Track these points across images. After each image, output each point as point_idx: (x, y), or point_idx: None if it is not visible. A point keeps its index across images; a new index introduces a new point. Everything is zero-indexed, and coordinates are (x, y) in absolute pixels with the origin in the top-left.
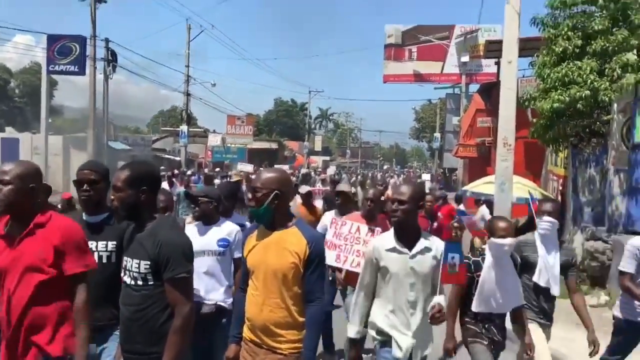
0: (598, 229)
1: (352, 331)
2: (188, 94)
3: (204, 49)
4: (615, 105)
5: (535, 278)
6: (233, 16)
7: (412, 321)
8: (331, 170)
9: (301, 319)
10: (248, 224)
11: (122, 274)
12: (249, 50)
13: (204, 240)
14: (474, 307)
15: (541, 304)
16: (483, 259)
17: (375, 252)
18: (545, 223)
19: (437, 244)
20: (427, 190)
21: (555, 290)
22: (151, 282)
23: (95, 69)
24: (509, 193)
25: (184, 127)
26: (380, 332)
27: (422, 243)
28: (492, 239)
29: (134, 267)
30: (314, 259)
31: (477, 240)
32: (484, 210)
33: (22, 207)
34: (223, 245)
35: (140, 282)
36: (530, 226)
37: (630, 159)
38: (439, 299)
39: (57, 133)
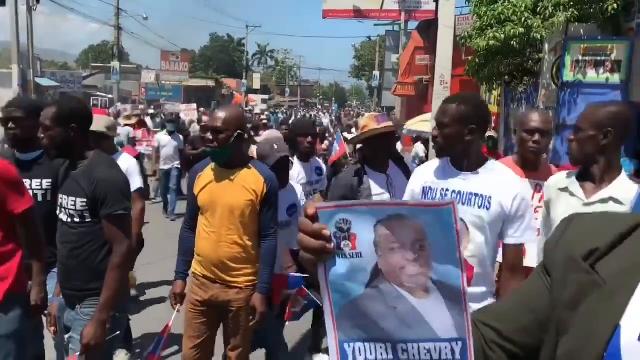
0: None
1: None
2: (119, 28)
3: None
4: (547, 44)
5: None
6: None
7: None
8: (258, 109)
9: (255, 253)
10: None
11: (57, 212)
12: None
13: None
14: None
15: None
16: None
17: (550, 190)
18: None
19: (629, 193)
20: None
21: None
22: (88, 220)
23: None
24: None
25: (115, 64)
26: None
27: (609, 189)
28: None
29: (70, 205)
30: (271, 197)
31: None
32: (418, 147)
33: None
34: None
35: (77, 220)
36: None
37: (559, 97)
38: None
39: None
